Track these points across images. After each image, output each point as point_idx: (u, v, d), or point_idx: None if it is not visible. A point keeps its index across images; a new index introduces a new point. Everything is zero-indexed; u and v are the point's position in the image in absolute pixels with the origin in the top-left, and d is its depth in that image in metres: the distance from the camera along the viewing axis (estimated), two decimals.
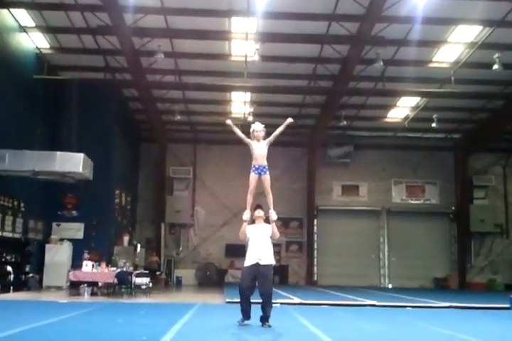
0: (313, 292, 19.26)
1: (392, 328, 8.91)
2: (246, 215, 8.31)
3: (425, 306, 13.61)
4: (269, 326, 7.90)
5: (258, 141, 8.39)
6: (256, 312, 8.14)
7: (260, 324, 8.00)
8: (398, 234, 26.42)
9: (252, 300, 8.18)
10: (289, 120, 8.55)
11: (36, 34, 17.24)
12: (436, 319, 10.63)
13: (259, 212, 8.39)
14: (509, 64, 17.56)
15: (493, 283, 25.62)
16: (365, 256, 26.19)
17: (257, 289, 8.10)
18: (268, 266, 8.06)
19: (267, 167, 8.36)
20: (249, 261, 8.12)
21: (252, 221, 8.42)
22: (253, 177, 8.28)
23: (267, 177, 8.32)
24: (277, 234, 8.30)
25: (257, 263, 8.01)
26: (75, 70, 19.32)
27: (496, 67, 16.93)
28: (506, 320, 10.95)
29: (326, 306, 13.01)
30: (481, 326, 9.83)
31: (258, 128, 8.45)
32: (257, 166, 8.32)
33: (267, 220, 8.38)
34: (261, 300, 8.06)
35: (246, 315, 8.12)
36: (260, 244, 8.14)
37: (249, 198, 8.33)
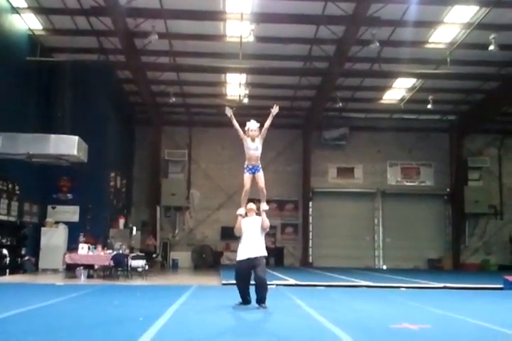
0: (308, 273, 19.40)
1: (385, 308, 9.00)
2: (241, 210, 8.35)
3: (419, 287, 13.74)
4: (265, 307, 7.99)
5: (252, 140, 8.33)
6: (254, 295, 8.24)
7: (257, 305, 8.08)
8: (393, 216, 26.56)
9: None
10: (275, 109, 8.31)
11: (29, 15, 16.98)
12: (430, 299, 10.75)
13: (251, 205, 8.50)
14: (505, 45, 17.49)
15: (487, 263, 25.87)
16: (360, 237, 26.35)
17: (254, 278, 8.18)
18: (260, 257, 8.17)
19: (260, 166, 8.41)
20: (241, 255, 8.22)
21: (245, 214, 8.46)
22: (247, 177, 8.34)
23: (260, 175, 8.37)
24: (267, 223, 8.32)
25: (249, 258, 8.12)
26: (68, 52, 19.11)
27: (491, 47, 16.85)
28: (499, 300, 11.07)
29: (321, 287, 13.12)
30: (475, 306, 9.95)
31: (253, 127, 8.36)
32: (250, 166, 8.35)
33: (259, 213, 8.44)
34: (255, 284, 8.14)
35: (245, 301, 8.26)
36: (252, 238, 8.25)
37: (244, 198, 8.40)
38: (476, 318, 7.55)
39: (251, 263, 8.10)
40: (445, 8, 16.26)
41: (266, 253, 8.32)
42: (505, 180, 27.02)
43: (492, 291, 12.96)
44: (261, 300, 8.08)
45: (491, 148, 27.09)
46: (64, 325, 6.47)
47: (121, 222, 21.08)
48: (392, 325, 6.69)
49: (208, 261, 24.58)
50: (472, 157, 26.57)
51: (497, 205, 26.71)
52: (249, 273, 8.17)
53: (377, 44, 17.05)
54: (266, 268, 8.31)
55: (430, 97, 22.64)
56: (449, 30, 17.62)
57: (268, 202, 8.54)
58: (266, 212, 8.35)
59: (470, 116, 25.18)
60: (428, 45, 18.68)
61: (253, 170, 8.34)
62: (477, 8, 16.06)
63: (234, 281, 8.44)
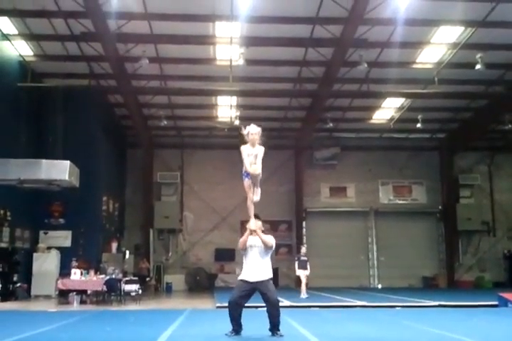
0: None
1: (381, 328, 8.96)
2: (252, 225, 7.73)
3: (414, 305, 13.70)
4: (282, 335, 7.43)
5: (253, 145, 7.75)
6: (248, 318, 7.78)
7: (270, 334, 7.54)
8: (386, 235, 26.54)
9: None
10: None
11: (19, 42, 17.09)
12: (425, 318, 10.70)
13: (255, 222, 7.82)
14: (491, 64, 17.75)
15: (482, 280, 25.78)
16: (355, 256, 26.26)
17: (264, 302, 7.62)
18: (266, 280, 7.57)
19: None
20: (245, 276, 7.62)
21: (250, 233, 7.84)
22: (248, 183, 7.80)
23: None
24: (269, 242, 7.69)
25: (254, 281, 7.52)
26: (59, 77, 19.20)
27: (478, 66, 17.09)
28: (495, 317, 11.06)
29: (316, 308, 13.03)
30: (470, 324, 9.91)
31: (254, 131, 7.77)
32: (248, 172, 7.73)
33: (264, 231, 8.01)
34: (267, 307, 7.58)
35: (238, 327, 7.64)
36: (258, 258, 7.65)
37: (250, 205, 7.81)
38: (472, 337, 7.52)
39: (255, 287, 7.50)
40: (431, 29, 16.54)
41: (271, 275, 7.69)
42: (497, 196, 27.13)
43: (487, 309, 12.94)
44: (275, 327, 7.49)
45: (481, 165, 27.26)
46: None
47: (114, 245, 20.95)
48: None
49: (202, 283, 24.38)
50: (463, 174, 26.72)
51: (489, 222, 26.76)
52: (248, 297, 7.60)
53: (365, 65, 17.27)
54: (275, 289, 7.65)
55: (419, 116, 22.86)
56: (436, 50, 17.90)
57: (260, 221, 8.13)
58: (264, 232, 7.91)
59: (459, 134, 25.41)
60: (415, 65, 18.94)
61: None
62: (462, 28, 16.36)
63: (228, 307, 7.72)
